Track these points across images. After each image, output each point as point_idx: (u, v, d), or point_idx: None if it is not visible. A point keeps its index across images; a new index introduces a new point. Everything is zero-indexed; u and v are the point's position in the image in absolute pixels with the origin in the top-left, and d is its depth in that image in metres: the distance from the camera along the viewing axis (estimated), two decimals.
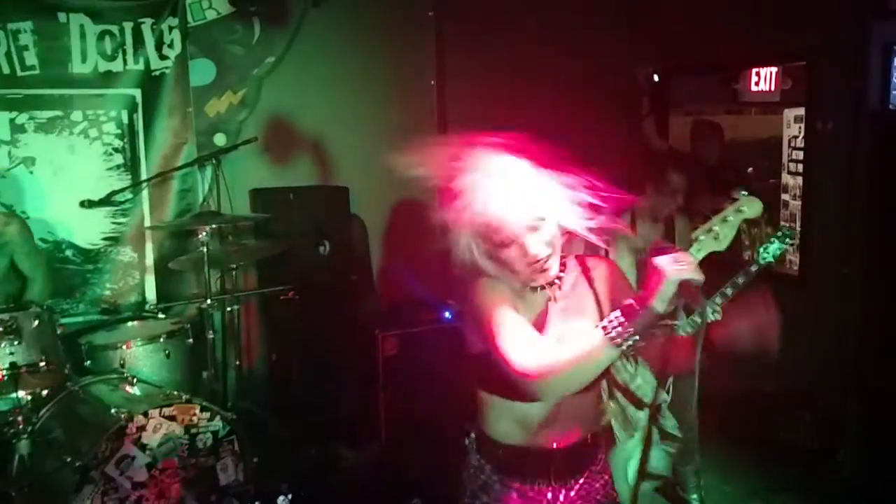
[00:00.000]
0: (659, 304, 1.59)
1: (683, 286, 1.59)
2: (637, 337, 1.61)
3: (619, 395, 3.00)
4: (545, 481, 1.89)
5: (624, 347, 1.62)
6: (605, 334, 1.62)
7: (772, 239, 2.83)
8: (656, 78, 4.86)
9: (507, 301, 1.79)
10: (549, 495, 1.90)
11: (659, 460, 3.55)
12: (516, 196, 1.71)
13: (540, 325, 1.86)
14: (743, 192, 2.78)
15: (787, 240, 2.85)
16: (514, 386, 1.70)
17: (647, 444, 2.06)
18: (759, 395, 4.32)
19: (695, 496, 3.79)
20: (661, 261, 1.62)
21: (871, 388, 3.81)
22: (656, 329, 1.67)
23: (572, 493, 1.92)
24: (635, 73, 4.89)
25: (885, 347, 3.72)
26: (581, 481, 1.94)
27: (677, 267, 1.60)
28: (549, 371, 1.64)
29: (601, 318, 1.74)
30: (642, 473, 1.87)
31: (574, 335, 1.71)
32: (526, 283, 1.84)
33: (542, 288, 1.86)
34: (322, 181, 4.70)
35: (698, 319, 2.49)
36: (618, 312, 1.63)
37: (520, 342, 1.70)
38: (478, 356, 1.82)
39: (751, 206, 2.72)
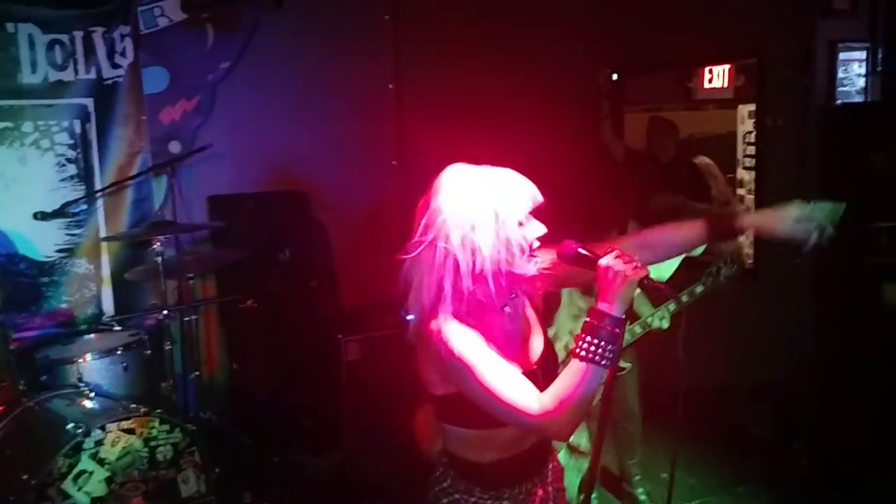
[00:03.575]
0: (620, 308, 1.58)
1: (644, 284, 1.57)
2: (612, 347, 1.59)
3: None
4: (530, 481, 1.88)
5: (605, 363, 1.59)
6: (582, 359, 1.59)
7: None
8: (615, 77, 4.91)
9: (482, 345, 1.67)
10: (541, 492, 1.90)
11: None
12: (517, 179, 1.71)
13: (524, 344, 1.83)
14: None
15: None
16: (495, 420, 1.67)
17: None
18: (720, 388, 4.38)
19: (640, 489, 3.81)
20: (612, 262, 1.59)
21: (824, 380, 3.88)
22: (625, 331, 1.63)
23: (549, 486, 1.92)
24: (595, 74, 4.93)
25: (838, 338, 3.80)
26: (551, 468, 1.94)
27: (631, 266, 1.58)
28: (562, 410, 1.60)
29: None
30: None
31: (564, 372, 1.65)
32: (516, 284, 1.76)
33: (509, 305, 1.80)
34: (281, 187, 4.66)
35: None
36: (584, 334, 1.60)
37: (524, 391, 1.64)
38: (444, 398, 1.75)
39: None
